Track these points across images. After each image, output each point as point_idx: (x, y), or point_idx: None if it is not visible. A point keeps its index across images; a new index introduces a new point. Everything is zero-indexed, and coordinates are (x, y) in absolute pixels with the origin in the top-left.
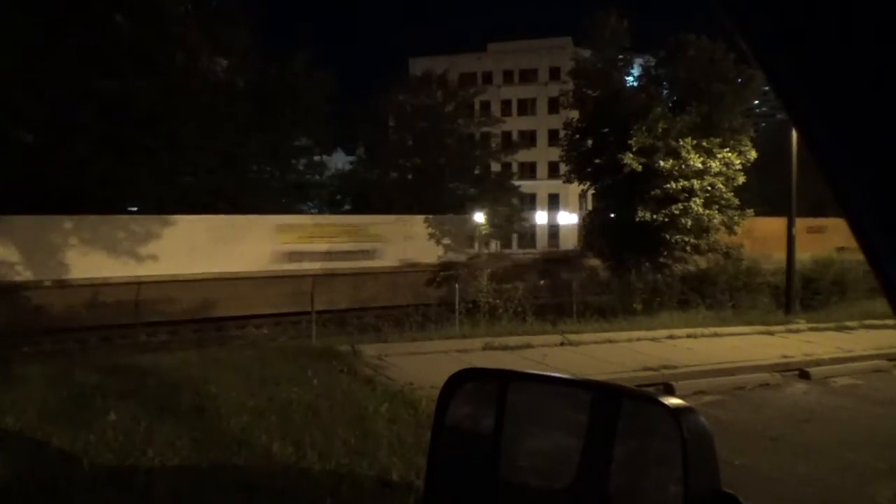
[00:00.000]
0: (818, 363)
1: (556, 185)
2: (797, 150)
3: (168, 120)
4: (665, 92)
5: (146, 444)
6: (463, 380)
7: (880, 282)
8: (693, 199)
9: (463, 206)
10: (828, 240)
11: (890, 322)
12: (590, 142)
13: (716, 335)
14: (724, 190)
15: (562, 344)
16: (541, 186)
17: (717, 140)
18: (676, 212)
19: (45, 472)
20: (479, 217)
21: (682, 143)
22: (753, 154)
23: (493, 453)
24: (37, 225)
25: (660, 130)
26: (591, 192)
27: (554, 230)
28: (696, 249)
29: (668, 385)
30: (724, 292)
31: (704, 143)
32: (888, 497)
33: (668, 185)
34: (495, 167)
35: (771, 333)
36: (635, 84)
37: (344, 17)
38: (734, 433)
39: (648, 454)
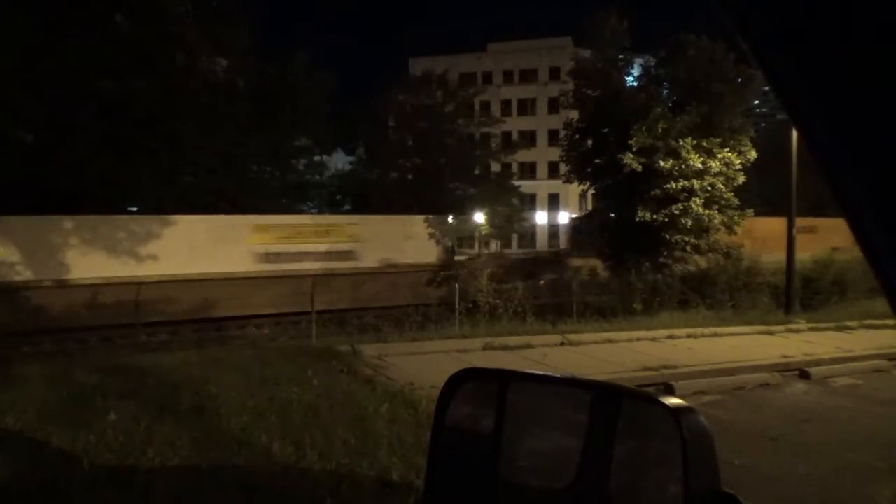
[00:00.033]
0: (818, 363)
1: (556, 185)
2: (797, 150)
3: (168, 120)
4: (665, 92)
5: (146, 444)
6: (463, 380)
7: (880, 282)
8: (693, 199)
9: (463, 206)
10: (819, 240)
11: (890, 322)
12: (590, 142)
13: (716, 335)
14: (724, 190)
15: (562, 344)
16: (541, 186)
17: (717, 140)
18: (676, 212)
19: (45, 472)
20: (479, 217)
21: (682, 143)
22: (753, 154)
23: (493, 453)
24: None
25: (660, 130)
26: (591, 192)
27: (554, 230)
28: (697, 249)
29: (668, 385)
30: (724, 292)
31: (704, 143)
32: (888, 497)
33: (668, 185)
34: (495, 167)
35: (771, 333)
36: (635, 84)
37: (344, 17)
38: (734, 433)
39: (648, 454)
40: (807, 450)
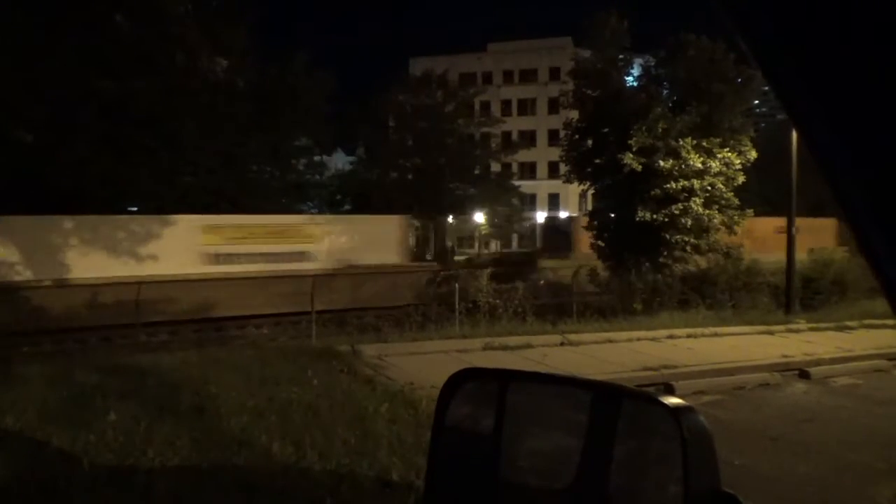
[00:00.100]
0: (818, 363)
1: (556, 185)
2: (797, 150)
3: (168, 120)
4: (665, 92)
5: (146, 444)
6: (463, 380)
7: (880, 282)
8: (693, 199)
9: (463, 206)
10: (801, 240)
11: (890, 322)
12: (590, 142)
13: (716, 335)
14: (724, 190)
15: (562, 344)
16: (541, 186)
17: (717, 140)
18: (676, 212)
19: (45, 472)
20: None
21: (682, 143)
22: (753, 154)
23: (493, 453)
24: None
25: (660, 130)
26: (591, 192)
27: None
28: (697, 249)
29: (668, 385)
30: (724, 292)
31: (704, 143)
32: (888, 497)
33: (668, 185)
34: (495, 167)
35: (771, 333)
36: (635, 84)
37: (344, 18)
38: (734, 433)
39: (648, 454)
40: (807, 450)
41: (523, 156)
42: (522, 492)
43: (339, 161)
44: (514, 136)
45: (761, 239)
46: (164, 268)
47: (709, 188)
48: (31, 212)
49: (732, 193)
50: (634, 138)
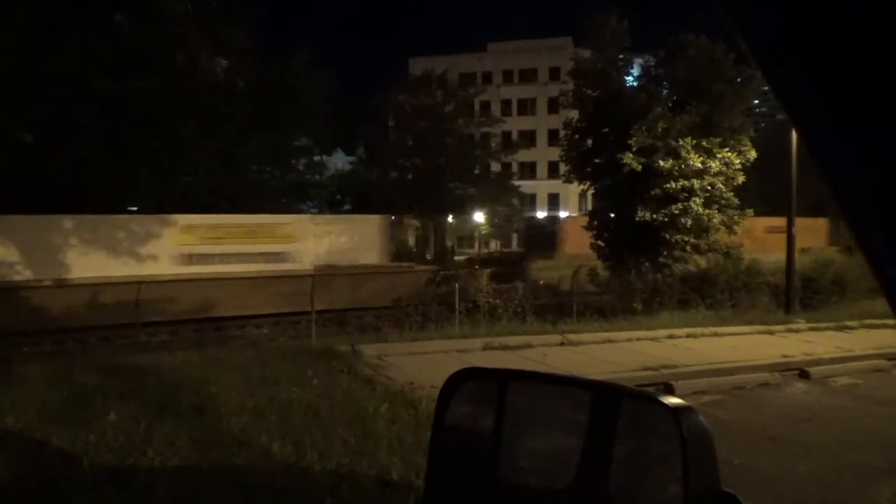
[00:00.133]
0: (818, 363)
1: (556, 185)
2: (797, 150)
3: (168, 120)
4: (665, 92)
5: (146, 444)
6: (463, 379)
7: (880, 282)
8: (693, 198)
9: (463, 206)
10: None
11: (890, 322)
12: (590, 142)
13: (716, 335)
14: (723, 190)
15: (561, 344)
16: (541, 186)
17: (717, 140)
18: (676, 211)
19: (45, 472)
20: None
21: (681, 142)
22: (753, 154)
23: (492, 453)
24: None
25: (660, 130)
26: (591, 191)
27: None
28: (696, 249)
29: (668, 385)
30: (724, 292)
31: (704, 143)
32: (888, 497)
33: (668, 185)
34: (495, 167)
35: (771, 333)
36: (635, 84)
37: (344, 17)
38: (734, 433)
39: (648, 454)
40: (806, 449)
41: (523, 156)
42: (522, 492)
43: (339, 161)
44: (514, 136)
45: (752, 238)
46: (142, 269)
47: (709, 188)
48: (31, 212)
49: (732, 193)
50: (634, 138)
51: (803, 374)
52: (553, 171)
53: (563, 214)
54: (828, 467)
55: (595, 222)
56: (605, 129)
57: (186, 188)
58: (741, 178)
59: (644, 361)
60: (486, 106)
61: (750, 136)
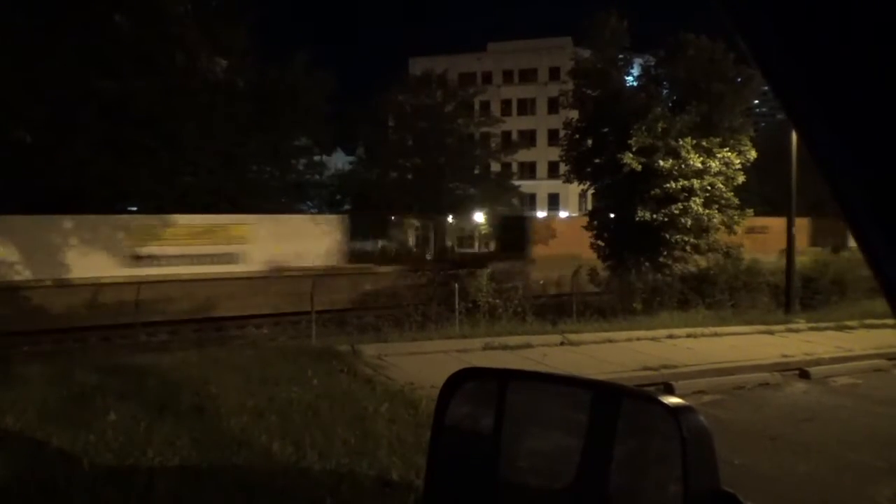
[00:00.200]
0: (818, 363)
1: (556, 185)
2: (797, 150)
3: (168, 120)
4: (665, 92)
5: (146, 444)
6: (463, 379)
7: (880, 282)
8: (693, 198)
9: (462, 206)
10: (772, 240)
11: (890, 322)
12: (589, 142)
13: (716, 335)
14: (723, 190)
15: (561, 343)
16: (541, 186)
17: (717, 140)
18: (676, 211)
19: (45, 472)
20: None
21: (681, 142)
22: (753, 154)
23: (492, 453)
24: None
25: (659, 130)
26: (590, 191)
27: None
28: (696, 249)
29: (668, 385)
30: (724, 292)
31: (704, 143)
32: (888, 497)
33: (668, 185)
34: (495, 167)
35: (771, 333)
36: (635, 84)
37: (344, 17)
38: (734, 432)
39: (648, 454)
40: (806, 449)
41: (523, 155)
42: (522, 492)
43: (339, 161)
44: (514, 136)
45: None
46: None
47: (708, 188)
48: (31, 212)
49: (732, 193)
50: (634, 138)
51: (803, 374)
52: (553, 171)
53: (563, 214)
54: (828, 467)
55: (595, 222)
56: (605, 129)
57: (186, 188)
58: (741, 178)
59: (644, 361)
60: (485, 106)
61: (750, 135)
